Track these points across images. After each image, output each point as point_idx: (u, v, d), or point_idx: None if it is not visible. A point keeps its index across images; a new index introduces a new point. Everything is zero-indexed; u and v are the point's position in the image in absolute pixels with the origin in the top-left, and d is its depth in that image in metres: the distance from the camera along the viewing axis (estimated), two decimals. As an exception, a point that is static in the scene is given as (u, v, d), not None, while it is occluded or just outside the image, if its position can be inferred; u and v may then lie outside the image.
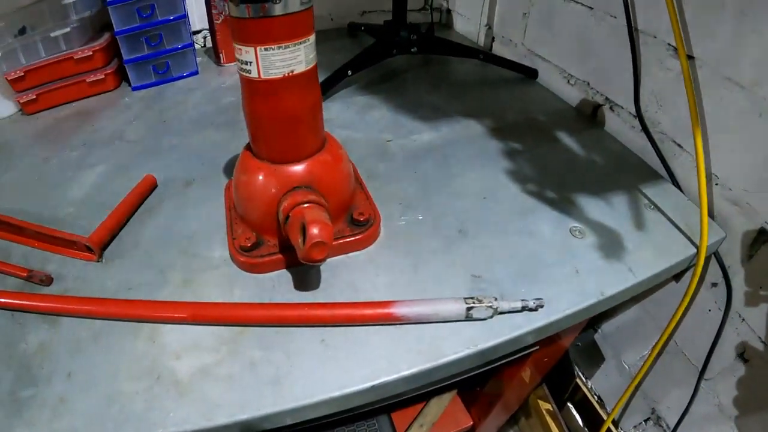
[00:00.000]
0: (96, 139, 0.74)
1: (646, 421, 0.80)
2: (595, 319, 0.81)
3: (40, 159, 0.74)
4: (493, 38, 0.94)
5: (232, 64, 0.93)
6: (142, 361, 0.42)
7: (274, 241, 0.48)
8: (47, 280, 0.51)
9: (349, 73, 0.74)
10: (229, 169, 0.63)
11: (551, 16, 0.80)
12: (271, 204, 0.45)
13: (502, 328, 0.44)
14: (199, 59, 0.94)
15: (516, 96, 0.80)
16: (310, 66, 0.42)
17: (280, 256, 0.47)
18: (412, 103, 0.76)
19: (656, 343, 0.66)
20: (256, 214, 0.47)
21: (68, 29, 0.84)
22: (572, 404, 0.84)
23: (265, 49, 0.39)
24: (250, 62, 0.40)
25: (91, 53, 0.84)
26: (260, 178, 0.46)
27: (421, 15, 1.10)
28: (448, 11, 1.08)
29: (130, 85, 0.87)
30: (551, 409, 0.83)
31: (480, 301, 0.44)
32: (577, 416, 0.83)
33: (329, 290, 0.47)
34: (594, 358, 0.82)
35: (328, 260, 0.49)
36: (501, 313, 0.45)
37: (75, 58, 0.85)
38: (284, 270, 0.48)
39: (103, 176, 0.65)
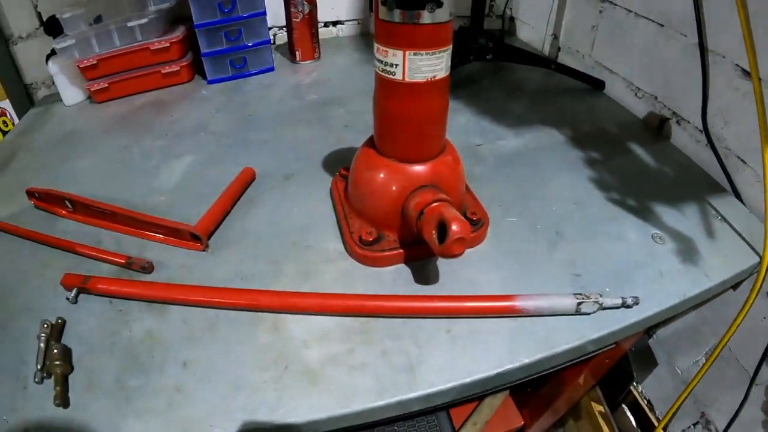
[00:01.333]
0: (179, 130, 0.75)
1: (695, 425, 0.82)
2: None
3: (119, 146, 0.75)
4: (559, 48, 0.96)
5: (307, 62, 0.94)
6: (268, 350, 0.43)
7: (394, 236, 0.49)
8: (150, 268, 0.51)
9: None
10: (328, 165, 0.65)
11: (621, 31, 0.82)
12: (397, 201, 0.47)
13: (605, 322, 0.46)
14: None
15: (586, 106, 0.83)
16: (447, 73, 0.44)
17: (401, 250, 0.49)
18: (494, 109, 0.79)
19: (713, 349, 0.68)
20: (380, 210, 0.49)
21: (146, 20, 0.85)
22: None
23: (414, 54, 0.41)
24: (396, 65, 0.42)
25: (168, 45, 0.86)
26: (387, 175, 0.47)
27: (485, 22, 1.11)
28: (512, 19, 1.10)
29: (204, 78, 0.88)
30: (603, 411, 0.85)
31: (588, 297, 0.46)
32: (632, 418, 0.86)
33: (448, 284, 0.49)
34: (647, 362, 0.85)
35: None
36: (604, 308, 0.47)
37: (151, 48, 0.86)
38: (401, 264, 0.50)
39: (192, 166, 0.67)
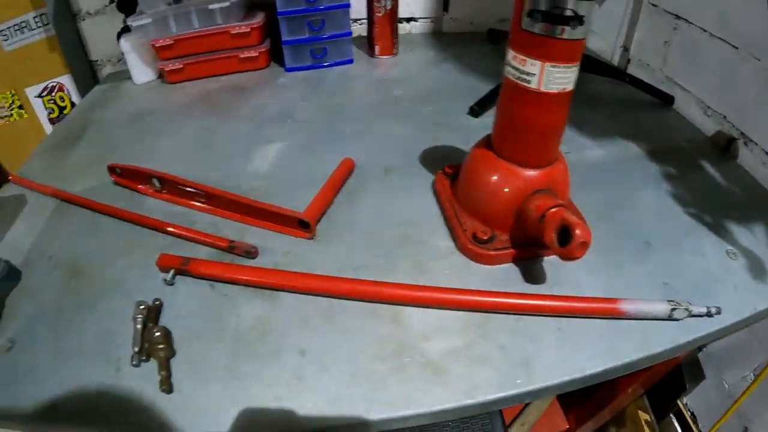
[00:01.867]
0: (264, 115, 0.76)
1: (737, 439, 0.85)
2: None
3: (202, 128, 0.76)
4: (629, 60, 0.98)
5: (385, 57, 0.95)
6: (388, 342, 0.44)
7: (506, 236, 0.51)
8: (255, 253, 0.52)
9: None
10: (426, 161, 0.66)
11: (695, 49, 0.84)
12: (514, 202, 0.49)
13: (692, 329, 0.48)
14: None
15: (656, 120, 0.85)
16: (574, 86, 0.46)
17: (512, 250, 0.50)
18: (577, 118, 0.80)
19: (764, 366, 0.70)
20: (497, 210, 0.50)
21: (227, 3, 0.86)
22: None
23: (552, 66, 0.43)
24: (533, 74, 0.44)
25: (248, 30, 0.87)
26: (507, 178, 0.49)
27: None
28: None
29: (280, 65, 0.90)
30: (650, 420, 0.87)
31: (680, 305, 0.48)
32: (679, 429, 0.88)
33: (554, 285, 0.50)
34: (696, 375, 0.87)
35: (547, 258, 0.52)
36: (691, 315, 0.49)
37: (232, 33, 0.87)
38: (510, 264, 0.52)
39: (285, 153, 0.68)
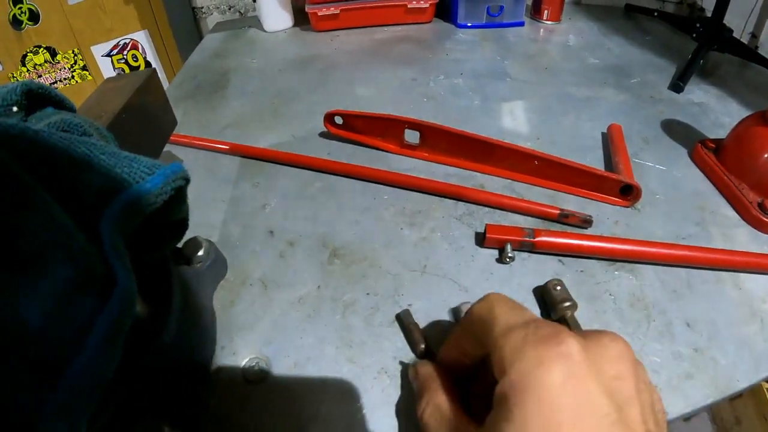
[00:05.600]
0: (472, 71, 0.70)
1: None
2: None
3: (403, 78, 0.69)
4: (757, 47, 1.01)
5: (552, 22, 0.91)
6: (742, 306, 0.43)
7: None
8: (591, 222, 0.48)
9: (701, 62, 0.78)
10: (674, 133, 0.64)
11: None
12: None
13: None
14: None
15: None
16: None
17: None
18: None
19: None
20: None
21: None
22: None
23: None
24: None
25: (421, -22, 0.78)
26: None
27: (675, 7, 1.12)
28: (701, 9, 1.13)
29: (446, 21, 0.81)
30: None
31: None
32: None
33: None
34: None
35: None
36: None
37: (404, -20, 0.78)
38: None
39: (533, 113, 0.63)
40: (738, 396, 1.02)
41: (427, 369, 0.32)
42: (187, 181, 0.26)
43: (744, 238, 0.50)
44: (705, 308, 0.43)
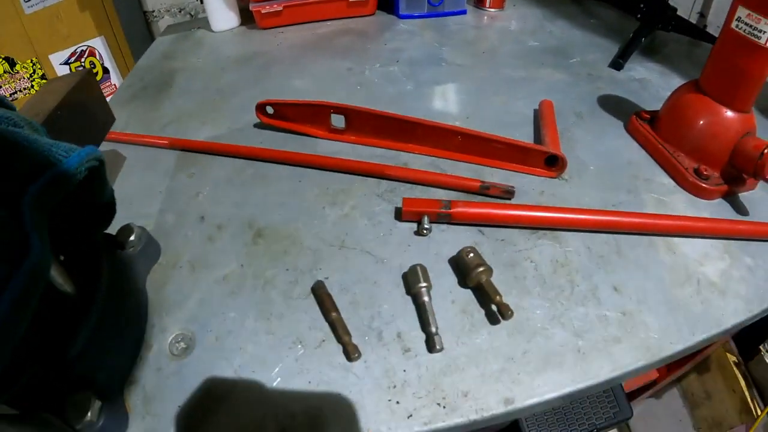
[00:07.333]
0: (408, 59, 0.71)
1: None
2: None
3: (339, 69, 0.70)
4: (705, 26, 1.03)
5: (494, 10, 0.91)
6: (676, 269, 0.44)
7: (718, 174, 0.53)
8: (513, 193, 0.48)
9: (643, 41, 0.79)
10: (610, 108, 0.65)
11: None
12: (731, 143, 0.51)
13: None
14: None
15: None
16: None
17: (725, 186, 0.52)
18: None
19: None
20: (716, 150, 0.53)
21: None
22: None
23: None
24: (764, 32, 0.46)
25: (361, -29, 0.79)
26: (728, 122, 0.52)
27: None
28: None
29: (388, 12, 0.83)
30: (737, 360, 0.94)
31: None
32: (770, 366, 0.95)
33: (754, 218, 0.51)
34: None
35: (746, 194, 0.53)
36: None
37: (342, -27, 0.79)
38: (719, 199, 0.53)
39: (467, 95, 0.64)
40: (706, 370, 1.03)
41: None
42: (101, 161, 0.28)
43: (681, 205, 0.51)
44: (635, 273, 0.43)
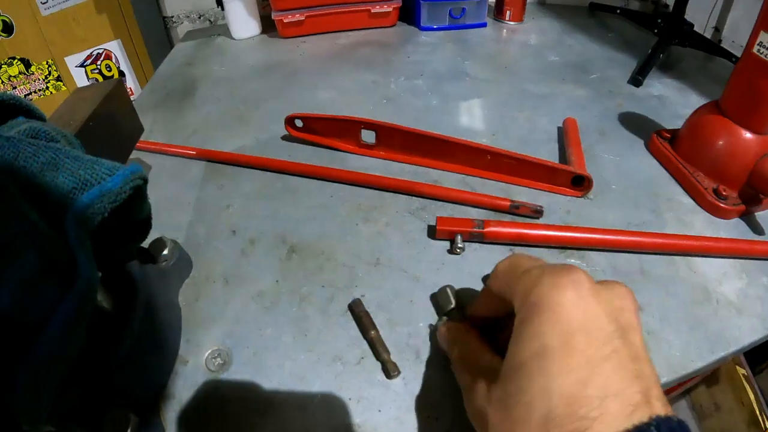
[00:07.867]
0: (432, 72, 0.71)
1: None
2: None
3: (364, 81, 0.71)
4: (720, 41, 1.04)
5: (514, 23, 0.92)
6: (696, 288, 0.45)
7: (736, 194, 0.54)
8: (541, 212, 0.49)
9: (661, 56, 0.80)
10: (632, 125, 0.65)
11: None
12: (750, 164, 0.52)
13: None
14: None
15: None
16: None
17: (742, 206, 0.53)
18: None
19: None
20: (736, 171, 0.53)
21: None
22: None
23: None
24: None
25: (384, -18, 0.80)
26: (746, 143, 0.52)
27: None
28: (665, 6, 1.16)
29: (409, 24, 0.83)
30: (746, 373, 0.95)
31: None
32: (779, 379, 0.96)
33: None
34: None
35: (762, 213, 0.54)
36: None
37: (365, -16, 0.80)
38: (737, 218, 0.53)
39: (490, 110, 0.65)
40: (715, 382, 1.04)
41: (454, 324, 0.36)
42: (145, 180, 0.28)
43: (700, 224, 0.52)
44: (658, 292, 0.44)
